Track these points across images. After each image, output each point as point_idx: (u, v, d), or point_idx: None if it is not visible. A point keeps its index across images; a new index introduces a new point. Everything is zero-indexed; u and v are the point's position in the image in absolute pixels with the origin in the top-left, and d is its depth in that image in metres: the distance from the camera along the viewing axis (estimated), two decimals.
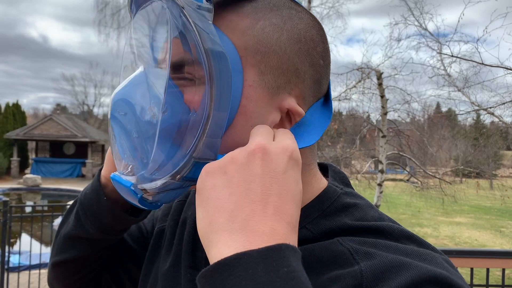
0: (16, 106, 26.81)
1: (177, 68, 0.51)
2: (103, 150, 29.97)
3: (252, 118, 0.52)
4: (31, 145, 28.85)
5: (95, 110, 56.44)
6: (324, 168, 0.68)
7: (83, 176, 25.64)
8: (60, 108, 52.87)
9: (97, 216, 0.70)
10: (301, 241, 0.52)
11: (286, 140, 0.48)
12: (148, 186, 0.52)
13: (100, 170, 0.72)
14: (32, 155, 28.28)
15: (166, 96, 0.50)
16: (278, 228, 0.41)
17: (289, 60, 0.53)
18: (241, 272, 0.37)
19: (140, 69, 0.57)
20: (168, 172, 0.51)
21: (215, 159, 0.50)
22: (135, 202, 0.55)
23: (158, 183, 0.51)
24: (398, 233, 0.52)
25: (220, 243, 0.41)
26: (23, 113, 27.88)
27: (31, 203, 17.65)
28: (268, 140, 0.47)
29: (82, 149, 27.10)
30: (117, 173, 0.57)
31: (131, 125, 0.54)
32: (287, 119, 0.55)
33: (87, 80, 59.51)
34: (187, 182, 0.52)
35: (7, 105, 26.35)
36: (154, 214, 0.84)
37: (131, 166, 0.55)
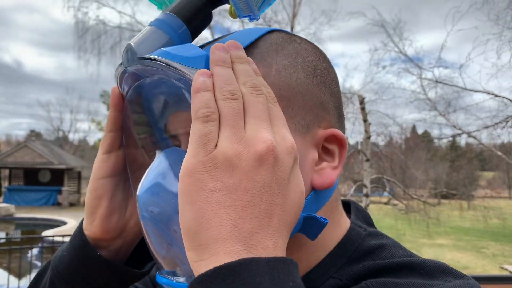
0: None
1: None
2: (79, 177, 29.34)
3: None
4: (4, 172, 28.06)
5: (71, 136, 55.57)
6: (345, 205, 0.65)
7: (59, 204, 24.97)
8: (34, 135, 51.82)
9: (87, 279, 0.57)
10: None
11: (287, 134, 0.44)
12: None
13: (80, 227, 0.59)
14: (5, 183, 27.43)
15: None
16: (279, 242, 0.40)
17: (312, 95, 0.53)
18: (247, 279, 0.34)
19: (157, 155, 0.53)
20: None
21: None
22: None
23: None
24: (432, 267, 0.49)
25: (220, 251, 0.37)
26: None
27: (3, 234, 17.01)
28: (273, 133, 0.42)
29: (58, 177, 26.51)
30: (163, 276, 0.51)
31: (170, 220, 0.49)
32: (325, 153, 0.53)
33: (63, 106, 58.63)
34: None
35: None
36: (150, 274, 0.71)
37: (179, 265, 0.50)
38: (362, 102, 9.14)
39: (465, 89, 7.20)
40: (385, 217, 11.73)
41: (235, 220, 0.38)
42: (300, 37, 0.58)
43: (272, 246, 0.38)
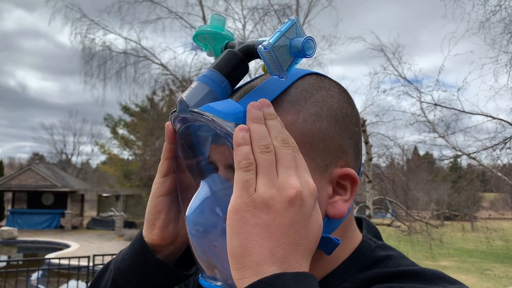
0: None
1: None
2: (82, 200, 29.25)
3: None
4: (7, 196, 28.02)
5: (74, 158, 55.72)
6: (358, 221, 0.74)
7: (61, 227, 24.87)
8: (38, 158, 51.93)
9: (145, 277, 0.69)
10: None
11: (309, 178, 0.54)
12: None
13: (140, 235, 0.72)
14: (8, 207, 27.37)
15: None
16: (304, 263, 0.51)
17: (333, 141, 0.61)
18: (279, 286, 0.46)
19: (201, 184, 0.64)
20: None
21: None
22: None
23: None
24: (431, 275, 0.58)
25: (260, 271, 0.48)
26: (1, 163, 27.30)
27: (5, 257, 16.94)
28: (299, 178, 0.53)
29: (61, 199, 26.43)
30: (205, 279, 0.62)
31: (210, 238, 0.60)
32: (339, 187, 0.62)
33: (66, 129, 58.96)
34: None
35: None
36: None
37: (218, 272, 0.61)
38: (363, 124, 9.29)
39: (463, 111, 7.35)
40: (388, 239, 11.70)
41: (271, 248, 0.49)
42: (329, 80, 0.66)
43: (299, 267, 0.50)
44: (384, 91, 9.39)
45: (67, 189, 25.24)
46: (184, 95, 0.59)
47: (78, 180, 34.20)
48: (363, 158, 9.48)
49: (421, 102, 8.75)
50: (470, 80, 7.63)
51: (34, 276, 10.26)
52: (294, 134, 0.58)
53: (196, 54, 12.41)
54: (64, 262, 8.11)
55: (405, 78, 9.17)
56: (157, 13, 12.32)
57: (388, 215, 12.03)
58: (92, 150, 57.01)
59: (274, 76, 0.59)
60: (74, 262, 8.65)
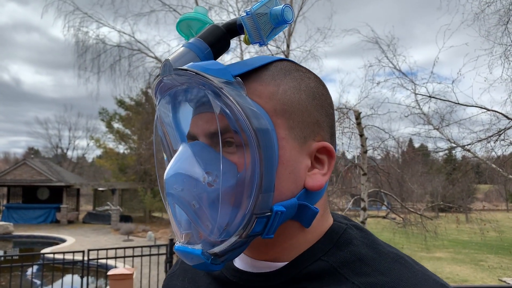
0: None
1: (222, 136, 0.59)
2: (78, 194, 29.26)
3: (289, 166, 0.60)
4: (2, 190, 27.96)
5: (69, 153, 55.52)
6: None
7: (57, 221, 24.87)
8: (33, 152, 51.75)
9: None
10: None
11: None
12: (217, 249, 0.57)
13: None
14: (3, 202, 27.33)
15: (218, 162, 0.58)
16: None
17: (310, 114, 0.63)
18: None
19: (182, 146, 0.63)
20: (234, 232, 0.57)
21: (271, 211, 0.57)
22: (206, 267, 0.58)
23: (227, 244, 0.57)
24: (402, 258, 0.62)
25: None
26: None
27: (1, 252, 16.93)
28: None
29: (56, 194, 26.43)
30: (180, 244, 0.60)
31: (190, 197, 0.58)
32: (317, 161, 0.64)
33: (61, 123, 58.81)
34: (251, 237, 0.58)
35: None
36: None
37: (195, 235, 0.59)
38: (358, 117, 9.28)
39: (458, 103, 7.36)
40: (383, 231, 11.78)
41: None
42: (305, 68, 0.69)
43: None
44: (378, 83, 9.38)
45: (62, 184, 25.20)
46: (169, 57, 0.61)
47: (74, 175, 34.13)
48: (358, 151, 9.63)
49: (416, 94, 8.75)
50: (465, 72, 7.64)
51: (30, 271, 10.26)
52: (275, 103, 0.61)
53: None
54: (59, 256, 8.12)
55: (399, 71, 9.16)
56: (150, 5, 12.27)
57: (383, 208, 12.08)
58: (88, 144, 56.84)
59: (255, 44, 0.63)
60: (69, 257, 8.67)
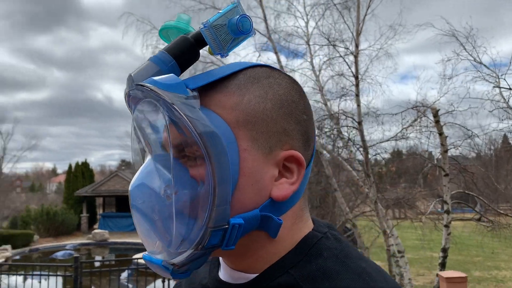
0: (85, 164, 28.46)
1: (179, 150, 0.59)
2: None
3: (252, 177, 0.59)
4: (99, 201, 30.16)
5: None
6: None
7: None
8: (125, 164, 55.42)
9: None
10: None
11: None
12: (176, 260, 0.58)
13: None
14: (99, 211, 29.47)
15: (175, 176, 0.58)
16: None
17: (276, 123, 0.61)
18: None
19: (148, 157, 0.65)
20: (190, 245, 0.57)
21: (228, 224, 0.57)
22: (168, 276, 0.60)
23: (184, 255, 0.57)
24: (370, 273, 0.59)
25: None
26: (91, 170, 29.50)
27: (99, 257, 18.28)
28: None
29: None
30: (147, 253, 0.63)
31: (150, 210, 0.60)
32: (285, 170, 0.62)
33: None
34: (209, 249, 0.58)
35: (77, 164, 28.04)
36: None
37: (158, 245, 0.61)
38: (436, 115, 8.78)
39: None
40: (471, 235, 10.94)
41: None
42: (280, 73, 0.67)
43: None
44: (456, 76, 8.79)
45: None
46: (133, 72, 0.62)
47: None
48: (438, 150, 9.04)
49: (500, 88, 8.07)
50: None
51: (123, 275, 10.98)
52: (237, 113, 0.60)
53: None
54: None
55: (480, 63, 8.52)
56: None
57: (470, 210, 11.25)
58: None
59: (217, 56, 0.63)
60: None
